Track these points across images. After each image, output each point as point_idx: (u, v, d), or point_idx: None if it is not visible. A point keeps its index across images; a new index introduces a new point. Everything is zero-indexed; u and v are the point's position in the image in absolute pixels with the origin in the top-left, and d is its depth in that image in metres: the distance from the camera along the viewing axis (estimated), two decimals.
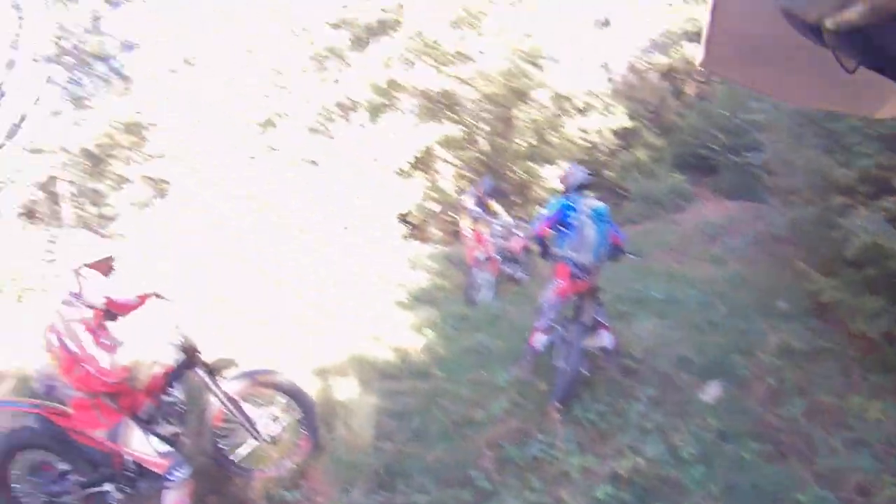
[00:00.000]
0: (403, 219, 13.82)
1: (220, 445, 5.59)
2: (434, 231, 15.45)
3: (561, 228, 6.46)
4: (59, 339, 4.57)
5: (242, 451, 5.67)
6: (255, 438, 5.60)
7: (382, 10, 14.64)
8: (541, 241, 6.68)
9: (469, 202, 10.77)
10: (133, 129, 16.48)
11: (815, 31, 0.75)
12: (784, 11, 0.79)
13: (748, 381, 6.35)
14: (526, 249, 10.82)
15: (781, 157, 8.25)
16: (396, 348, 8.16)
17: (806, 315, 7.00)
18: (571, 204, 6.50)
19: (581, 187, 6.69)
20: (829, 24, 0.72)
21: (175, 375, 5.19)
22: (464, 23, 15.29)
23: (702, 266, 9.94)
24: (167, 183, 13.75)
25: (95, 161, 17.06)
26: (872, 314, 5.86)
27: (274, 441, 5.70)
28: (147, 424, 4.97)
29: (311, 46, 14.87)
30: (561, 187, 6.98)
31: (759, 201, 11.44)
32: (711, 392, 6.18)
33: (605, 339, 6.61)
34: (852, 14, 0.68)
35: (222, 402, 5.41)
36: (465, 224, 10.78)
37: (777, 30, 0.83)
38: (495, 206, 11.01)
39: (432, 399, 6.70)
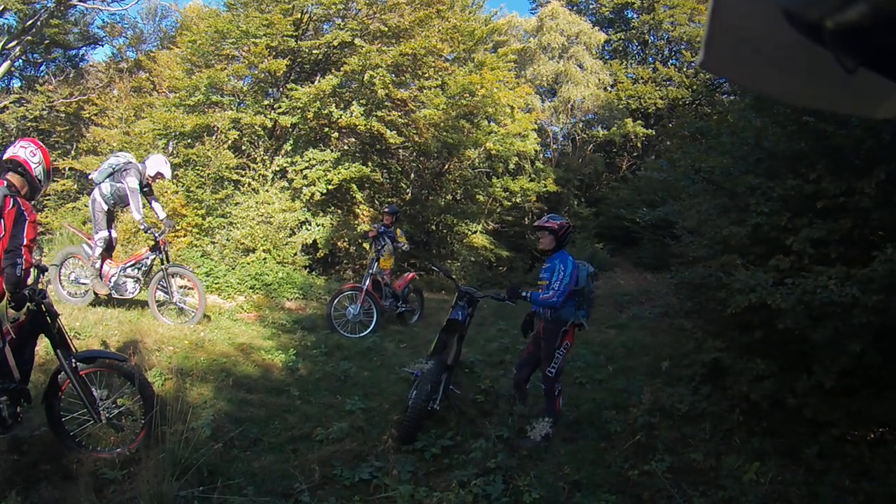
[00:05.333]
0: (309, 248, 13.67)
1: (62, 418, 5.42)
2: (343, 266, 15.31)
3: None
4: None
5: (83, 428, 5.50)
6: (95, 419, 5.44)
7: (329, 47, 14.71)
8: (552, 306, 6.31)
9: (378, 232, 10.69)
10: (74, 121, 16.14)
11: (815, 31, 0.75)
12: (784, 11, 0.79)
13: (617, 435, 6.34)
14: (411, 289, 10.88)
15: (684, 220, 8.46)
16: (260, 363, 8.05)
17: (696, 381, 6.99)
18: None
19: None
20: (829, 24, 0.72)
21: (28, 333, 5.03)
22: (406, 71, 15.52)
23: (602, 331, 9.99)
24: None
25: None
26: (757, 377, 5.88)
27: (113, 425, 5.58)
28: None
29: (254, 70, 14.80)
30: (545, 241, 6.44)
31: None
32: (539, 430, 6.16)
33: None
34: (852, 14, 0.68)
35: (69, 376, 5.25)
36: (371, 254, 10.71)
37: (777, 30, 0.82)
38: (401, 234, 11.00)
39: (279, 413, 6.63)
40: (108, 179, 8.58)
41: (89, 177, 9.08)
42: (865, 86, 0.83)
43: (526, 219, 18.81)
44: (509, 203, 17.88)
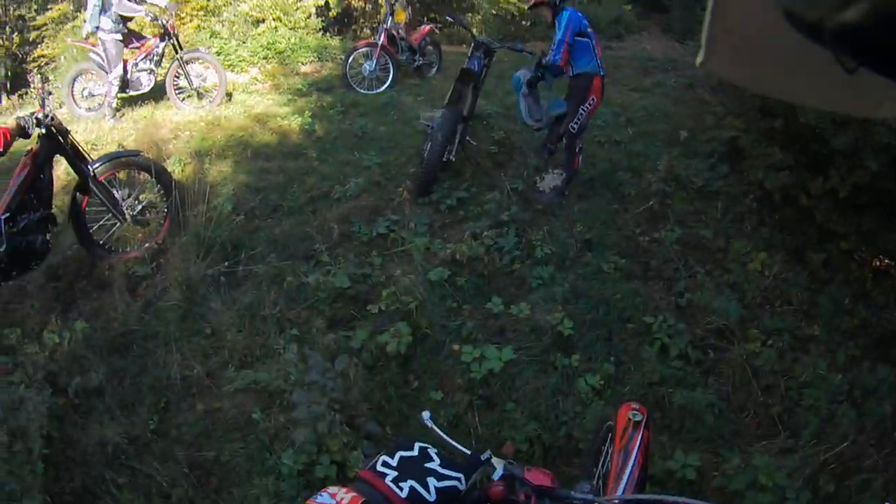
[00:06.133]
0: (322, 9, 13.11)
1: (90, 230, 5.53)
2: (359, 25, 14.70)
3: (579, 37, 5.94)
4: None
5: (110, 234, 5.67)
6: (120, 221, 5.59)
7: None
8: (558, 70, 6.10)
9: None
10: None
11: (815, 31, 0.70)
12: (784, 11, 0.74)
13: (630, 199, 6.26)
14: (429, 42, 10.47)
15: None
16: (277, 129, 7.99)
17: (714, 157, 6.73)
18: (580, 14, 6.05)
19: None
20: (829, 24, 0.67)
21: (43, 159, 5.00)
22: None
23: (624, 93, 9.54)
24: None
25: None
26: (773, 166, 5.63)
27: (138, 222, 5.73)
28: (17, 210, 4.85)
29: None
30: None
31: None
32: (549, 181, 6.13)
33: None
34: (852, 14, 0.64)
35: (89, 186, 5.32)
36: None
37: (777, 30, 0.78)
38: None
39: (297, 177, 6.65)
40: (101, 16, 8.10)
41: (85, 31, 8.61)
42: (865, 86, 0.79)
43: None
44: None
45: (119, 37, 8.21)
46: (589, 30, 6.01)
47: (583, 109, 6.04)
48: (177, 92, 8.81)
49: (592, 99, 6.05)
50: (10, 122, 5.03)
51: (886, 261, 5.37)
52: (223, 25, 11.98)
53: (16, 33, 15.63)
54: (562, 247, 5.46)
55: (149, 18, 8.41)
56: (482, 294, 4.97)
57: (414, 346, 4.35)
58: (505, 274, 5.20)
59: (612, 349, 4.57)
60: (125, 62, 8.39)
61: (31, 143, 4.99)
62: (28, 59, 15.10)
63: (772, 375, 4.33)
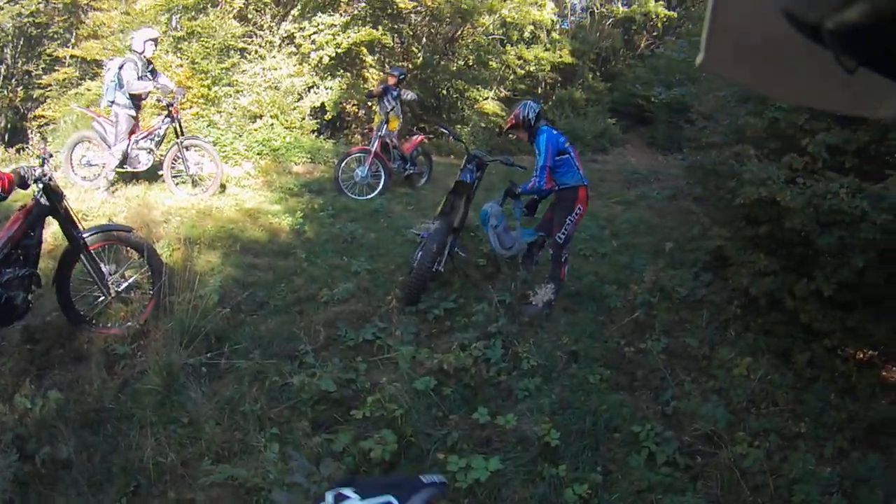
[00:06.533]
0: (317, 111, 13.42)
1: (72, 298, 5.52)
2: (351, 130, 15.03)
3: (560, 156, 6.25)
4: None
5: (93, 307, 5.67)
6: (104, 294, 5.59)
7: None
8: (546, 192, 6.46)
9: (382, 91, 10.50)
10: (72, 9, 15.42)
11: (815, 31, 0.73)
12: (784, 11, 0.76)
13: (616, 311, 6.39)
14: (420, 152, 10.72)
15: (699, 104, 8.20)
16: (268, 228, 8.09)
17: (698, 267, 6.98)
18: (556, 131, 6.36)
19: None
20: (829, 24, 0.70)
21: (35, 217, 5.03)
22: None
23: (609, 206, 9.89)
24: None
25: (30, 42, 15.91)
26: (758, 273, 5.80)
27: (122, 299, 5.73)
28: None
29: None
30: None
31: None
32: (541, 296, 6.20)
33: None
34: (852, 14, 0.67)
35: (77, 253, 5.36)
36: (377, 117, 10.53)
37: (777, 30, 0.80)
38: (407, 95, 10.77)
39: (285, 276, 6.72)
40: (117, 92, 8.32)
41: (103, 105, 8.77)
42: (865, 86, 0.81)
43: (539, 88, 18.09)
44: (522, 72, 17.10)
45: (133, 112, 8.39)
46: (567, 145, 6.32)
47: (570, 220, 6.27)
48: (173, 175, 8.90)
49: (579, 208, 6.31)
50: (10, 170, 5.03)
51: (870, 352, 5.52)
52: (221, 116, 12.18)
53: (21, 87, 15.74)
54: (548, 359, 5.51)
55: (155, 98, 8.62)
56: (469, 404, 4.97)
57: (399, 453, 4.33)
58: (492, 385, 5.22)
59: (600, 458, 4.58)
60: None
61: (24, 199, 5.07)
62: (29, 115, 15.18)
63: (760, 475, 4.37)
